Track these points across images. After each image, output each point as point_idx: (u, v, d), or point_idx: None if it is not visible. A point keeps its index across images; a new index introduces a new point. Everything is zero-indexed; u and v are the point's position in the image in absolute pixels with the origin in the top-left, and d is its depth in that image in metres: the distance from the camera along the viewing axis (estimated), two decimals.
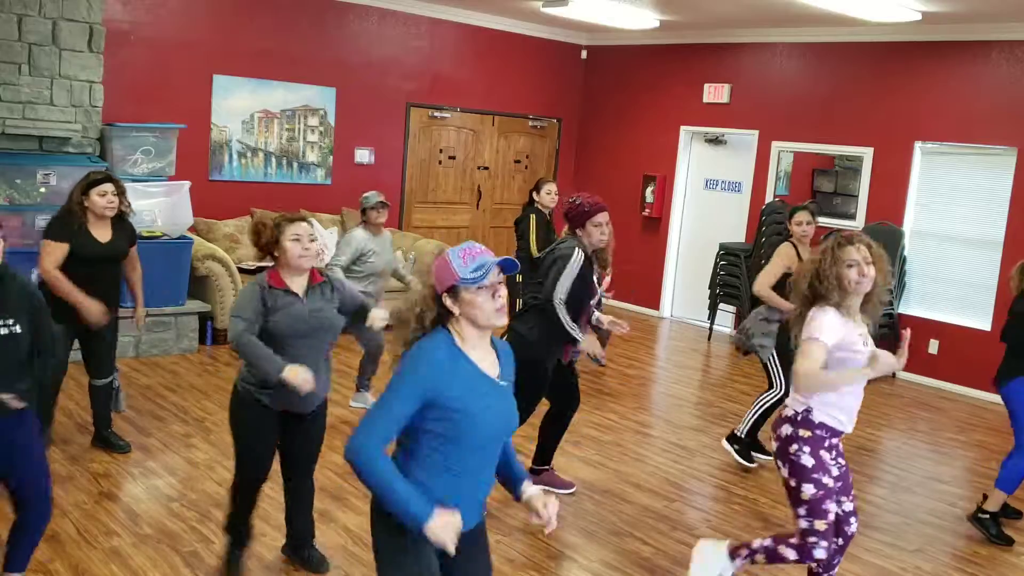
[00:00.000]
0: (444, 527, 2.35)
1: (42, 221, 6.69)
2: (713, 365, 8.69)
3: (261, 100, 8.53)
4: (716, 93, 9.70)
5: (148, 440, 5.36)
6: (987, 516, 4.88)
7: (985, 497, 4.95)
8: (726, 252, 9.27)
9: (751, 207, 9.45)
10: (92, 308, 4.69)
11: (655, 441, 6.12)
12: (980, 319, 7.93)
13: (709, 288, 9.48)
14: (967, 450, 6.47)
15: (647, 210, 10.23)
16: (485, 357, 2.52)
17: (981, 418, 7.29)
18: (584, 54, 10.89)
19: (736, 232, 9.54)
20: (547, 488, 5.11)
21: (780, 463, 3.53)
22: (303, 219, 3.69)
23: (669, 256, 10.26)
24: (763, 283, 5.53)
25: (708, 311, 9.52)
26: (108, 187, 4.79)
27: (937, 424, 7.07)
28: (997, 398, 7.66)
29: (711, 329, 9.48)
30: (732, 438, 5.72)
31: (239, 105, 8.39)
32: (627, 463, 5.62)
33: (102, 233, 4.83)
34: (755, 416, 5.66)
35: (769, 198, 9.27)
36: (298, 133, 8.82)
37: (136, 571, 3.86)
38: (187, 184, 7.36)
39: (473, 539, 2.60)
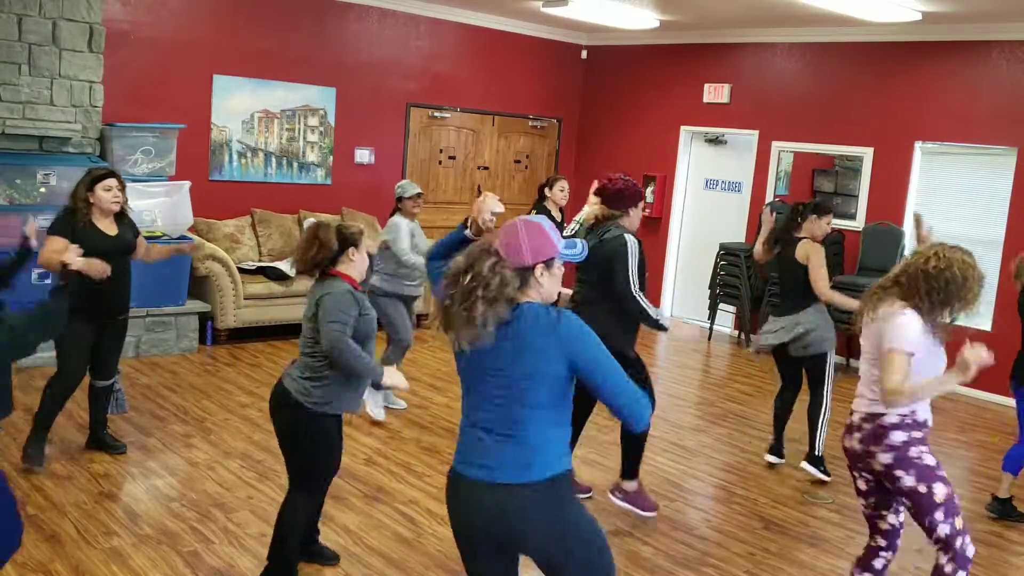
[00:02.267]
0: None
1: (43, 221, 6.66)
2: (713, 365, 8.69)
3: (261, 100, 8.53)
4: (716, 93, 9.70)
5: (148, 440, 5.36)
6: (997, 501, 5.01)
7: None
8: (726, 252, 9.27)
9: (751, 207, 9.45)
10: (93, 265, 4.61)
11: (655, 441, 6.11)
12: (980, 319, 7.91)
13: (709, 288, 9.48)
14: (967, 450, 6.46)
15: (647, 210, 10.21)
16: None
17: (981, 418, 7.28)
18: (584, 54, 10.89)
19: (736, 232, 9.54)
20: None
21: (902, 472, 3.30)
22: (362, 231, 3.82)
23: (669, 256, 10.26)
24: (825, 288, 5.33)
25: (708, 311, 9.52)
26: (112, 182, 4.83)
27: (937, 424, 7.01)
28: (997, 398, 7.71)
29: (711, 329, 9.47)
30: (813, 459, 5.54)
31: (239, 105, 8.39)
32: None
33: (108, 228, 4.87)
34: (823, 431, 5.54)
35: (769, 198, 9.27)
36: (298, 133, 8.82)
37: (136, 571, 3.86)
38: (187, 184, 7.37)
39: None
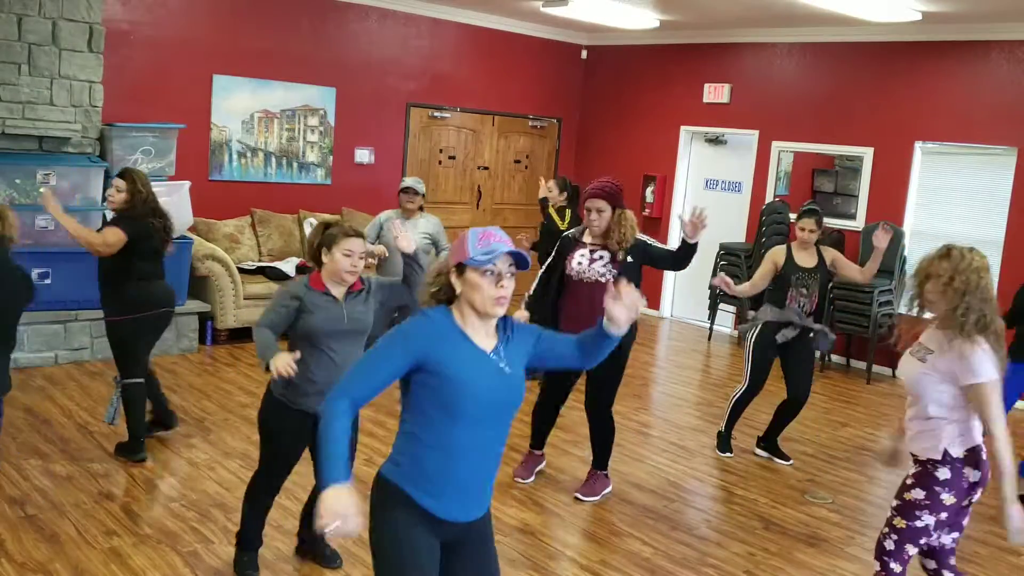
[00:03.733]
0: (331, 499, 2.34)
1: (42, 221, 6.71)
2: (713, 365, 8.68)
3: (261, 100, 8.53)
4: (716, 93, 9.69)
5: (148, 440, 5.35)
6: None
7: None
8: (726, 252, 9.26)
9: (751, 207, 9.45)
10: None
11: (655, 441, 6.12)
12: None
13: (709, 288, 9.47)
14: None
15: (647, 210, 10.22)
16: (485, 340, 2.51)
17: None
18: (584, 54, 10.89)
19: (736, 232, 9.54)
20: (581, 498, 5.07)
21: (910, 492, 3.36)
22: (358, 235, 3.74)
23: None
24: (747, 286, 5.77)
25: (708, 311, 9.52)
26: (118, 181, 4.99)
27: None
28: None
29: (711, 329, 9.47)
30: (719, 434, 5.96)
31: (239, 105, 8.39)
32: (627, 463, 5.62)
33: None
34: (729, 413, 5.90)
35: (769, 198, 9.27)
36: (298, 133, 8.82)
37: (136, 571, 3.86)
38: (187, 184, 7.36)
39: (477, 532, 2.58)
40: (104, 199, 5.09)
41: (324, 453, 2.38)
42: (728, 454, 5.86)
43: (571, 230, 5.00)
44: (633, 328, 4.74)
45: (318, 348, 3.64)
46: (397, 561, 2.48)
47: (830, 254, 5.70)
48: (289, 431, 3.74)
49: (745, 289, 5.78)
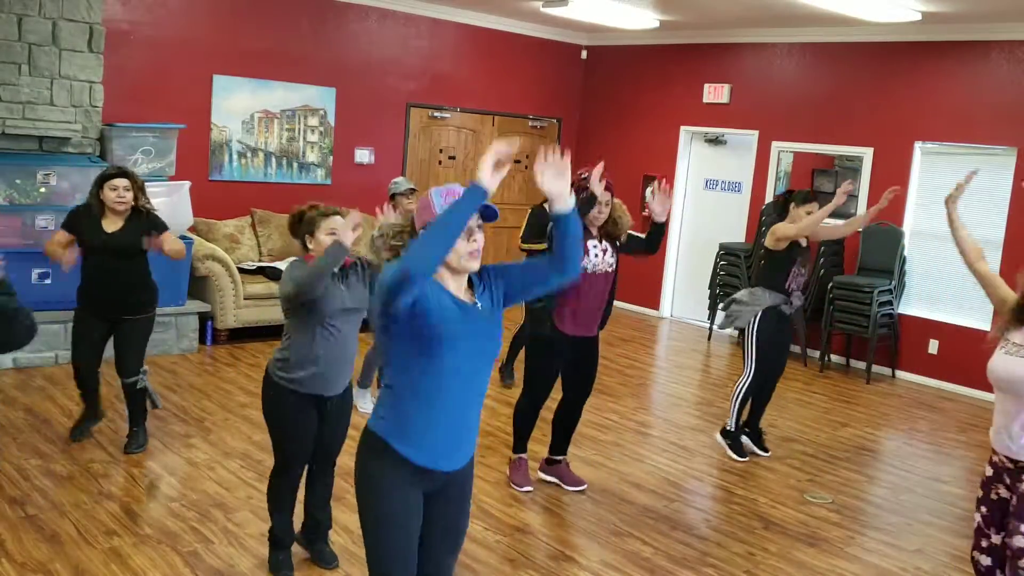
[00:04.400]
0: (489, 155, 2.57)
1: (42, 221, 6.71)
2: (713, 365, 8.68)
3: (261, 100, 8.53)
4: (716, 93, 9.69)
5: (148, 440, 5.35)
6: None
7: None
8: (726, 252, 9.27)
9: (751, 207, 9.45)
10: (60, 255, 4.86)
11: (655, 441, 6.12)
12: (980, 319, 7.92)
13: (709, 288, 9.48)
14: (967, 450, 6.46)
15: (647, 210, 10.20)
16: (460, 294, 2.60)
17: (981, 418, 7.27)
18: (584, 54, 10.89)
19: (736, 232, 9.54)
20: (557, 483, 5.11)
21: None
22: (337, 212, 3.79)
23: (669, 256, 10.26)
24: (809, 223, 5.49)
25: (708, 311, 9.52)
26: (120, 182, 4.90)
27: (937, 424, 7.07)
28: None
29: (711, 329, 9.47)
30: (724, 432, 5.90)
31: (239, 105, 8.39)
32: (627, 463, 5.62)
33: (111, 224, 4.93)
34: (735, 407, 5.80)
35: (769, 198, 9.26)
36: (298, 133, 8.82)
37: (136, 571, 3.86)
38: (187, 184, 7.36)
39: (457, 482, 2.66)
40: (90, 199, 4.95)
41: (449, 216, 2.44)
42: (744, 458, 5.74)
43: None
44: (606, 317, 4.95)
45: (321, 326, 3.66)
46: (381, 517, 2.57)
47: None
48: (297, 416, 3.74)
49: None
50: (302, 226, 3.74)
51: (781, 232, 5.57)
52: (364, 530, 2.65)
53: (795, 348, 8.45)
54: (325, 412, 3.81)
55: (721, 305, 5.81)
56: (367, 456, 2.60)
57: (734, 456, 5.76)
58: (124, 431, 5.36)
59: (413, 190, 6.24)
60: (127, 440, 5.22)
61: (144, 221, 5.00)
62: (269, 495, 3.93)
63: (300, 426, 3.77)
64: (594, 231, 4.86)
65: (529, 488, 5.03)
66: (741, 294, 5.79)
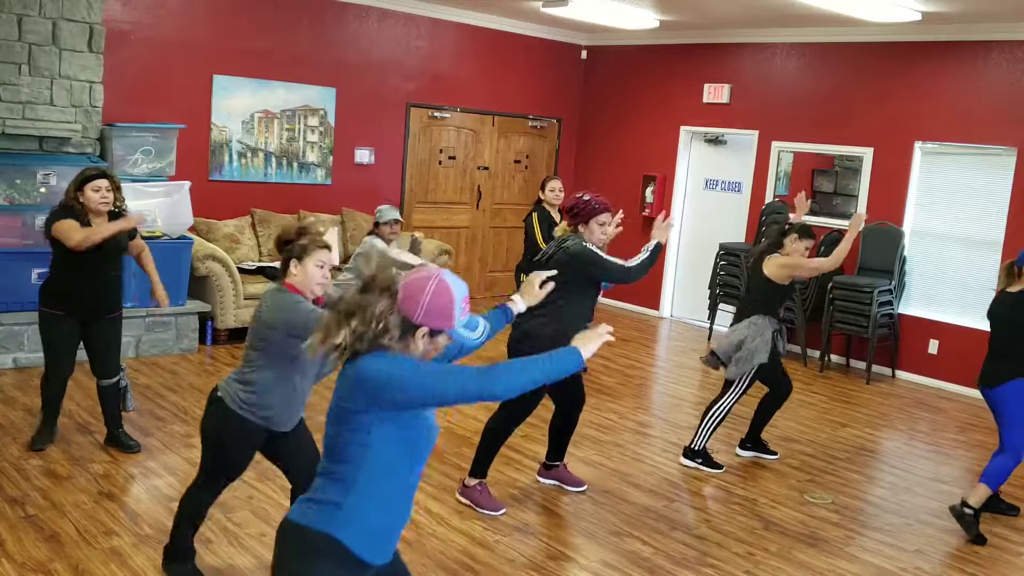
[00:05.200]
0: (595, 336, 2.41)
1: (42, 221, 6.69)
2: None
3: (261, 100, 8.53)
4: (716, 93, 9.69)
5: (148, 440, 5.36)
6: (971, 512, 4.86)
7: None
8: (726, 252, 9.27)
9: (751, 207, 9.45)
10: (127, 222, 4.83)
11: (655, 441, 6.12)
12: (980, 319, 7.89)
13: (709, 288, 9.48)
14: (967, 450, 6.47)
15: (647, 210, 10.22)
16: None
17: (981, 418, 7.27)
18: (584, 54, 10.89)
19: (736, 232, 9.54)
20: (558, 485, 5.11)
21: None
22: (327, 247, 3.59)
23: (669, 256, 10.26)
24: (823, 264, 5.66)
25: (708, 311, 9.52)
26: (102, 182, 4.82)
27: (937, 424, 7.07)
28: None
29: (711, 329, 9.48)
30: (742, 443, 5.85)
31: (239, 105, 8.39)
32: (627, 463, 5.62)
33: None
34: (714, 423, 5.64)
35: (769, 198, 9.27)
36: (298, 133, 8.82)
37: (136, 571, 3.86)
38: (187, 184, 7.36)
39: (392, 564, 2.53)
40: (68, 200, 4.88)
41: (539, 363, 2.32)
42: (720, 469, 5.60)
43: (585, 243, 4.68)
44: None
45: (292, 374, 3.55)
46: None
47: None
48: (247, 445, 3.64)
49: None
50: (293, 249, 3.51)
51: (790, 268, 5.54)
52: None
53: (795, 348, 8.47)
54: (281, 441, 3.71)
55: (720, 351, 5.63)
56: (306, 557, 2.32)
57: (711, 470, 5.59)
58: (132, 431, 5.34)
59: (398, 221, 6.43)
60: (111, 443, 5.19)
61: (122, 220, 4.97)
62: (184, 506, 3.80)
63: (246, 455, 3.70)
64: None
65: (503, 510, 4.76)
66: (743, 333, 5.54)
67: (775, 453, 5.92)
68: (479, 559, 4.22)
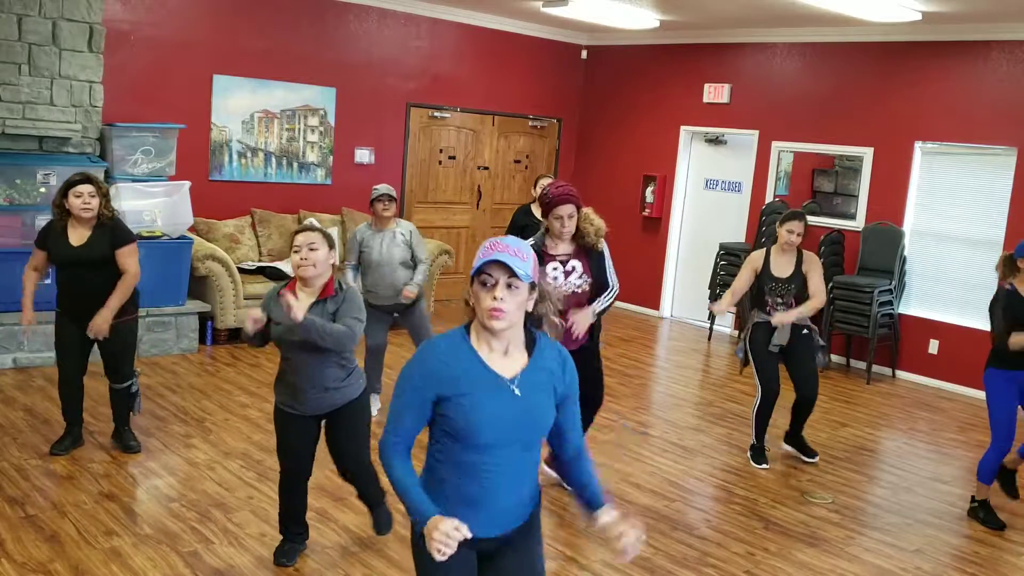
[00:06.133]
0: (435, 533, 2.21)
1: (42, 221, 6.69)
2: (713, 365, 8.68)
3: (261, 100, 8.53)
4: (716, 93, 9.69)
5: (148, 440, 5.36)
6: (975, 504, 4.98)
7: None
8: (726, 252, 9.27)
9: (751, 207, 9.45)
10: (25, 316, 4.94)
11: (655, 441, 6.12)
12: (980, 319, 7.91)
13: (709, 288, 9.48)
14: (967, 450, 6.46)
15: (647, 210, 10.22)
16: (499, 358, 2.38)
17: (981, 418, 7.27)
18: (584, 54, 10.89)
19: (736, 232, 9.54)
20: (560, 483, 5.09)
21: None
22: (306, 228, 3.80)
23: (669, 256, 10.26)
24: (728, 297, 5.73)
25: (708, 311, 9.52)
26: (84, 188, 4.74)
27: (937, 424, 7.07)
28: None
29: (711, 329, 9.48)
30: (751, 445, 5.85)
31: (239, 105, 8.39)
32: (627, 463, 5.61)
33: (78, 236, 4.80)
34: (755, 424, 5.77)
35: (769, 198, 9.27)
36: (298, 133, 8.82)
37: (136, 571, 3.86)
38: (187, 184, 7.37)
39: (515, 541, 2.50)
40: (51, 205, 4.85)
41: (405, 498, 2.37)
42: (764, 465, 5.70)
43: (530, 241, 4.56)
44: (596, 329, 4.93)
45: (283, 355, 3.88)
46: None
47: (808, 263, 5.58)
48: (288, 432, 3.95)
49: (727, 302, 5.71)
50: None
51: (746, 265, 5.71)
52: None
53: None
54: (328, 427, 4.01)
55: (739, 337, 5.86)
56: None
57: (754, 464, 5.72)
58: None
59: (392, 198, 5.93)
60: (116, 440, 5.21)
61: (110, 229, 4.84)
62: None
63: (283, 439, 3.97)
64: (558, 249, 4.69)
65: None
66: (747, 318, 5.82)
67: (813, 455, 5.92)
68: None
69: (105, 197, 4.85)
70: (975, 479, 5.16)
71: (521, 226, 6.79)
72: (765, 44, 9.32)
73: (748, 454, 5.83)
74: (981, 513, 5.05)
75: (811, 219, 7.82)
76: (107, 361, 5.06)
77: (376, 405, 6.12)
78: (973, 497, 5.13)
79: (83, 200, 4.73)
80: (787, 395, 5.84)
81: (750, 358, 5.69)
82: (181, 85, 7.97)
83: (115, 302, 4.84)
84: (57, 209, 4.78)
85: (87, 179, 4.81)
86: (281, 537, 4.08)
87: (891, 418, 7.15)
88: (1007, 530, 4.99)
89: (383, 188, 6.00)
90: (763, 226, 8.89)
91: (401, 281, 5.94)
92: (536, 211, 6.94)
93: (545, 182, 7.11)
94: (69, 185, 4.77)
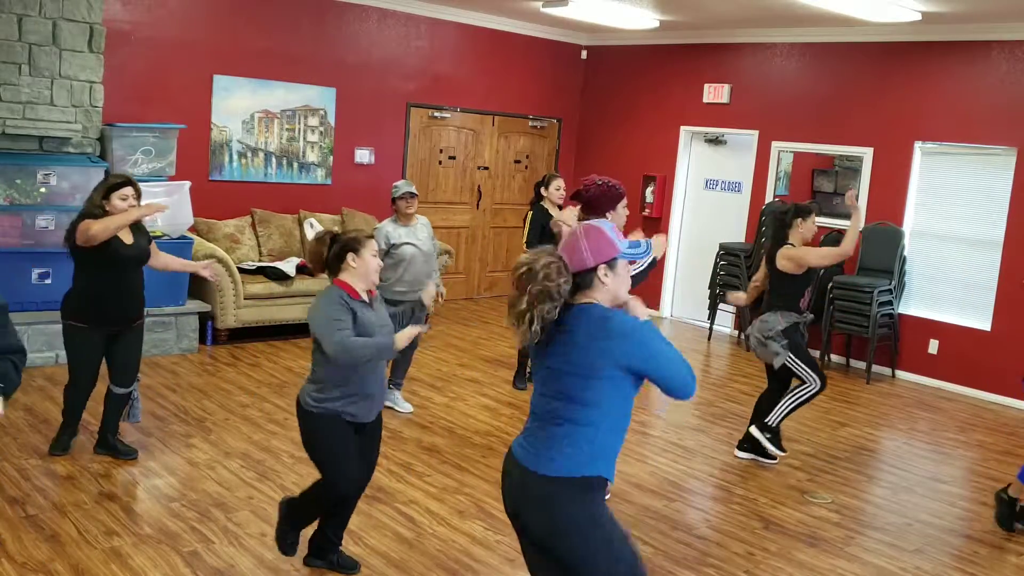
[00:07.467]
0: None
1: (42, 221, 6.72)
2: (713, 365, 8.69)
3: (261, 100, 8.53)
4: (716, 93, 9.70)
5: (148, 440, 5.36)
6: (1007, 499, 4.97)
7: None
8: (726, 252, 9.27)
9: (751, 207, 9.45)
10: (149, 207, 4.84)
11: (655, 441, 6.12)
12: (980, 319, 7.92)
13: (709, 288, 9.48)
14: (967, 450, 6.47)
15: (647, 210, 10.22)
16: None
17: (981, 418, 7.28)
18: (584, 54, 10.89)
19: (736, 232, 9.54)
20: None
21: None
22: (372, 236, 3.86)
23: (669, 256, 10.26)
24: (831, 253, 5.67)
25: (708, 311, 9.52)
26: (129, 190, 4.76)
27: (937, 424, 7.08)
28: (997, 398, 7.71)
29: (711, 329, 9.48)
30: (763, 426, 5.72)
31: (239, 105, 8.39)
32: (627, 463, 5.61)
33: (125, 236, 4.81)
34: (790, 408, 5.67)
35: (769, 198, 9.27)
36: (298, 133, 8.82)
37: (136, 571, 3.86)
38: (187, 184, 7.36)
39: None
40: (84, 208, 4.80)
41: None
42: (774, 459, 5.73)
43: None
44: None
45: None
46: (618, 536, 2.69)
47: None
48: (345, 440, 3.75)
49: (751, 297, 5.81)
50: (348, 243, 3.73)
51: (796, 259, 5.52)
52: (605, 561, 2.65)
53: None
54: (362, 436, 3.86)
55: (758, 334, 5.68)
56: (593, 499, 2.68)
57: (772, 450, 5.68)
58: (131, 432, 5.34)
59: (414, 195, 6.09)
60: (101, 448, 5.11)
61: (142, 227, 4.95)
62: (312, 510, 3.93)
63: (351, 453, 3.81)
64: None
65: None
66: (773, 322, 5.61)
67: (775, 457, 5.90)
68: (479, 559, 4.22)
69: (139, 197, 4.87)
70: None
71: (543, 225, 6.83)
72: (765, 44, 9.32)
73: (765, 436, 5.68)
74: (1005, 509, 4.98)
75: None
76: (119, 365, 5.00)
77: (407, 407, 6.25)
78: (1016, 500, 4.97)
79: (129, 203, 4.74)
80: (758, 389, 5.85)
81: (790, 359, 5.58)
82: (181, 85, 7.97)
83: (187, 262, 5.19)
84: (99, 210, 4.69)
85: (128, 181, 4.81)
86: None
87: (891, 418, 7.15)
88: (1007, 530, 4.99)
89: (405, 185, 6.14)
90: (763, 226, 8.89)
91: (429, 273, 6.13)
92: (552, 209, 6.83)
93: (560, 182, 7.01)
94: (112, 188, 4.72)
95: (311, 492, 3.85)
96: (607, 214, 4.62)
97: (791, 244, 5.59)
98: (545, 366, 2.67)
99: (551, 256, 2.60)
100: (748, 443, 5.83)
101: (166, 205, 5.09)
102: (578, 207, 4.82)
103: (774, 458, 5.76)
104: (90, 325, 4.81)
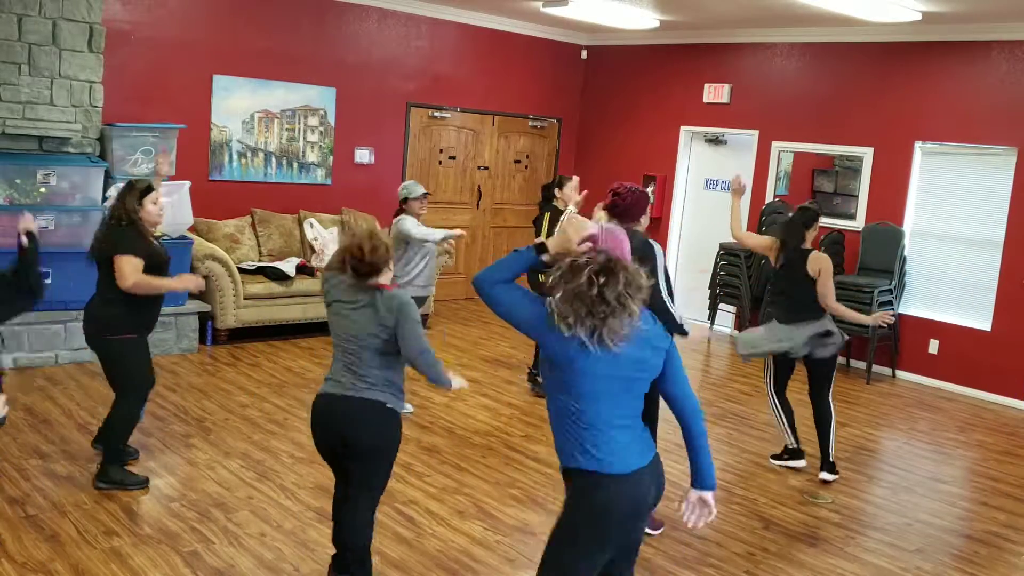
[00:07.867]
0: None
1: (42, 221, 6.70)
2: (713, 365, 8.69)
3: (261, 100, 8.53)
4: (716, 93, 9.70)
5: (148, 440, 5.36)
6: None
7: None
8: (726, 252, 9.27)
9: (751, 207, 9.44)
10: (188, 281, 4.84)
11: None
12: (980, 319, 7.92)
13: (709, 288, 9.48)
14: (967, 450, 6.47)
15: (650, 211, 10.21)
16: None
17: (981, 418, 7.28)
18: (584, 54, 10.89)
19: None
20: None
21: None
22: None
23: (669, 256, 10.25)
24: (834, 302, 5.40)
25: (708, 311, 9.52)
26: (158, 195, 4.70)
27: (937, 424, 7.08)
28: (997, 398, 7.71)
29: (711, 329, 9.47)
30: (831, 467, 5.58)
31: (239, 105, 8.39)
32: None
33: (156, 241, 4.80)
34: (834, 431, 5.61)
35: (769, 198, 9.27)
36: (298, 133, 8.82)
37: (136, 571, 3.86)
38: (187, 184, 7.36)
39: None
40: (102, 199, 4.81)
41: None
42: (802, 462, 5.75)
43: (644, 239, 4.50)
44: None
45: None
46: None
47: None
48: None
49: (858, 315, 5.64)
50: (375, 260, 3.56)
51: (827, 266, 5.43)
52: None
53: None
54: None
55: (812, 333, 5.53)
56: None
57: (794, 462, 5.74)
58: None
59: (426, 194, 6.40)
60: (99, 444, 5.05)
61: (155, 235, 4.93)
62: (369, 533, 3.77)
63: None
64: None
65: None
66: (825, 322, 5.50)
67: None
68: (479, 559, 4.22)
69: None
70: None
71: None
72: (765, 44, 9.32)
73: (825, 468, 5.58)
74: None
75: None
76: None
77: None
78: None
79: (160, 207, 4.70)
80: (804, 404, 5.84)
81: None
82: (181, 85, 7.97)
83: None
84: (131, 215, 4.56)
85: (151, 187, 4.71)
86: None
87: (891, 418, 7.15)
88: (1007, 530, 4.99)
89: (421, 187, 6.40)
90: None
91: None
92: (570, 208, 6.81)
93: (576, 180, 6.98)
94: (143, 193, 4.61)
95: None
96: (640, 219, 4.53)
97: (811, 248, 5.52)
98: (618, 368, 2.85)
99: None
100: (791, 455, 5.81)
101: (202, 285, 4.96)
102: (608, 216, 4.68)
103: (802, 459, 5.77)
104: (140, 333, 4.72)
